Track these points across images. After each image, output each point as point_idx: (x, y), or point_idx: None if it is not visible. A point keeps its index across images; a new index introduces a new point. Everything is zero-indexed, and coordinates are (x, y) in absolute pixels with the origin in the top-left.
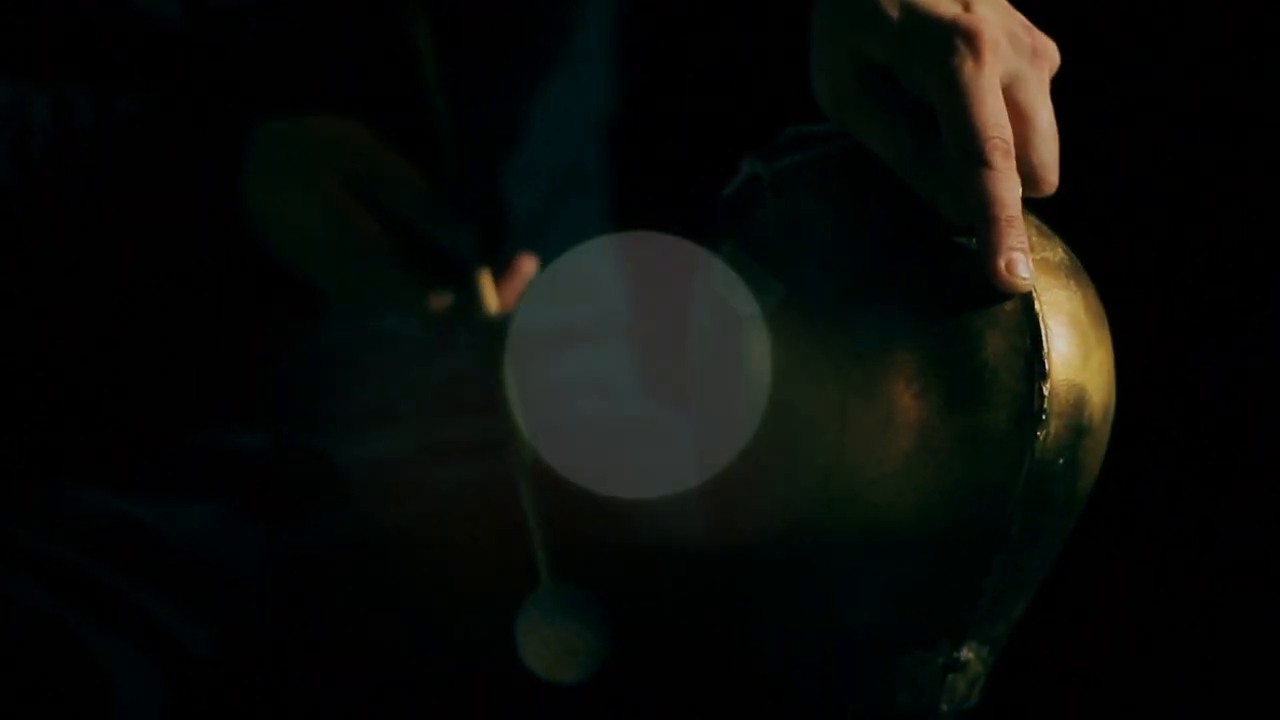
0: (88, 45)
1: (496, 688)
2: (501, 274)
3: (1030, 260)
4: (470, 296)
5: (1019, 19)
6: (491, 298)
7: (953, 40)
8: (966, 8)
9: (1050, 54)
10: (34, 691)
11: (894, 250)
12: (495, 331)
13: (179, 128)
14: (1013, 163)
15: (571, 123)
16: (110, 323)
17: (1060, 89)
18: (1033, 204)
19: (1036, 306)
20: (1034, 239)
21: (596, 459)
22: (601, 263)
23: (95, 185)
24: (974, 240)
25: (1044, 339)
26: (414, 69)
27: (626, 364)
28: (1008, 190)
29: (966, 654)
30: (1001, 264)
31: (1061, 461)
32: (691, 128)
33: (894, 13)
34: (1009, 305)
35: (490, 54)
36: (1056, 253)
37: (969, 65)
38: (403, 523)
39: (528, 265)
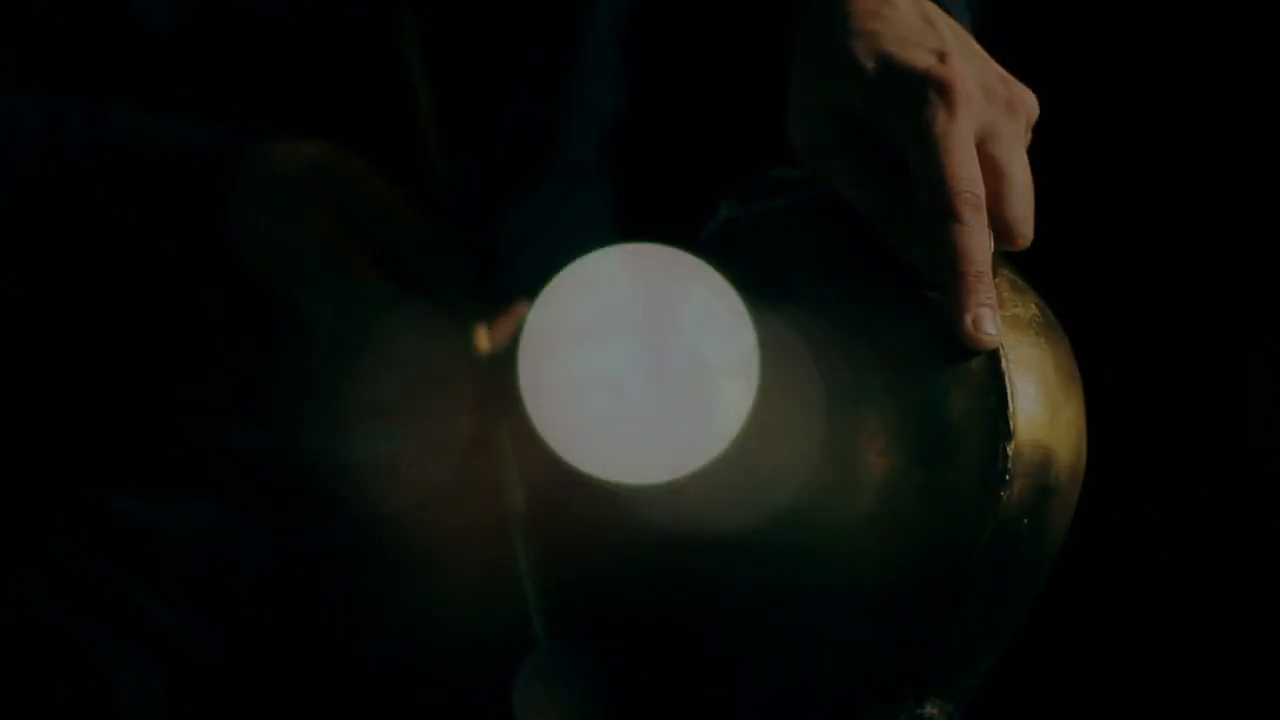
0: (81, 53)
1: (496, 687)
2: (492, 306)
3: (998, 317)
4: (462, 338)
5: (996, 70)
6: (483, 341)
7: (925, 92)
8: (942, 59)
9: (1027, 106)
10: (34, 691)
11: (864, 302)
12: (485, 368)
13: (171, 140)
14: (983, 217)
15: (578, 125)
16: (110, 324)
17: (1038, 138)
18: (1009, 255)
19: (1004, 364)
20: (1005, 294)
21: (604, 449)
22: (610, 263)
23: (87, 195)
24: (944, 294)
25: (1010, 398)
26: (410, 83)
27: (637, 362)
28: (977, 245)
29: (930, 709)
30: (968, 320)
31: (1027, 521)
32: (693, 127)
33: (868, 63)
34: (976, 363)
35: (501, 60)
36: (1028, 309)
37: (941, 118)
38: (402, 523)
39: (520, 309)
